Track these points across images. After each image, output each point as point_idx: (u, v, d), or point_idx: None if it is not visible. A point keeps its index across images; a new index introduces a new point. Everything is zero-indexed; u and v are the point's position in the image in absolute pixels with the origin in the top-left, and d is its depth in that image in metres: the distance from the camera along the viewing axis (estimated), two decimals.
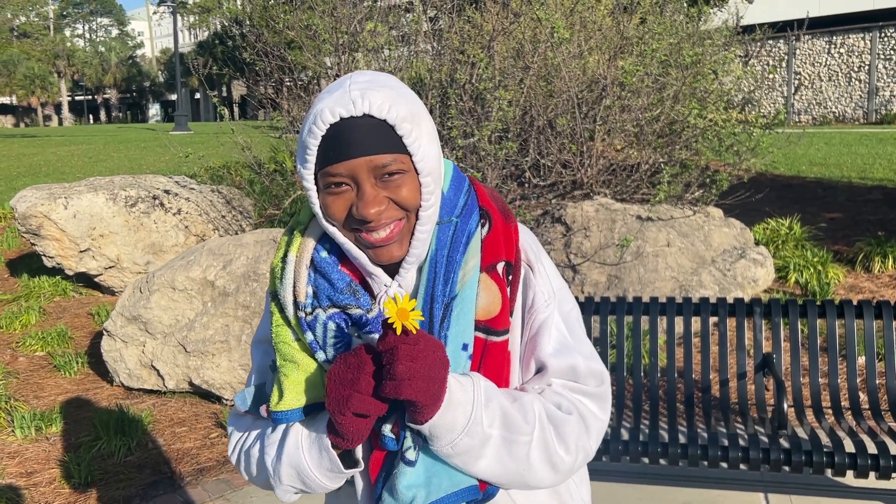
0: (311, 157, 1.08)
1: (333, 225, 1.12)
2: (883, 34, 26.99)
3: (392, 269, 1.16)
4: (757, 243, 6.28)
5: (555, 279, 1.23)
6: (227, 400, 4.52)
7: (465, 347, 1.11)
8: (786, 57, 26.17)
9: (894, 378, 3.40)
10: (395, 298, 1.00)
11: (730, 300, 3.49)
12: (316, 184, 1.11)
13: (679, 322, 4.83)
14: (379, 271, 1.14)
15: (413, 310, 1.00)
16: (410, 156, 1.07)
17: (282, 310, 1.18)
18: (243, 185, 8.74)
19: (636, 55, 6.31)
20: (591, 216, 5.51)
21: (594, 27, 6.74)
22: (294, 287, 1.15)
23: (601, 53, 6.61)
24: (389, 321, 0.98)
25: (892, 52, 26.94)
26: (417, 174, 1.09)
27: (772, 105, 26.04)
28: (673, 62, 6.10)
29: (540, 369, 1.18)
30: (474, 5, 7.60)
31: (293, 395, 1.13)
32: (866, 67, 27.21)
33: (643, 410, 4.11)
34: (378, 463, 1.12)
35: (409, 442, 1.06)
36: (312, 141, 1.07)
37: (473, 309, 1.12)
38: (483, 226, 1.16)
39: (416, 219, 1.11)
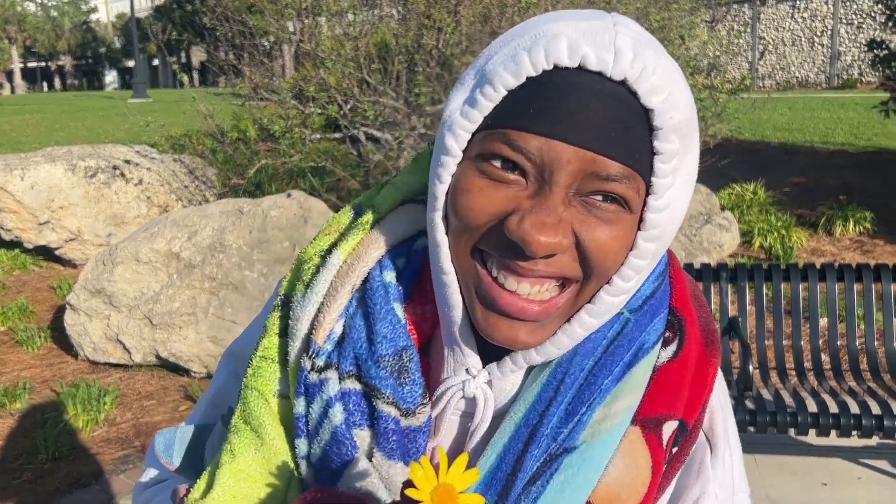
0: (489, 102, 0.60)
1: (451, 229, 0.64)
2: None
3: (489, 353, 0.68)
4: (722, 208, 6.35)
5: (738, 475, 0.74)
6: (195, 373, 4.49)
7: None
8: (750, 22, 26.30)
9: (855, 339, 3.48)
10: (440, 458, 0.54)
11: (696, 265, 3.53)
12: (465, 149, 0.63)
13: None
14: (471, 351, 0.67)
15: (463, 492, 0.53)
16: (649, 192, 0.61)
17: (283, 330, 0.71)
18: (206, 154, 8.59)
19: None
20: None
21: None
22: (318, 313, 0.68)
23: None
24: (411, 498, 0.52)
25: (853, 16, 27.22)
26: (639, 228, 0.62)
27: (737, 70, 26.28)
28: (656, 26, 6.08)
29: None
30: None
31: (226, 497, 0.66)
32: (829, 32, 27.47)
33: None
34: None
35: None
36: (508, 76, 0.59)
37: (593, 483, 0.65)
38: (668, 344, 0.68)
39: (589, 301, 0.64)
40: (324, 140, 7.01)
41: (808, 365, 3.52)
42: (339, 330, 0.68)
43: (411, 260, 0.70)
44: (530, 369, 0.68)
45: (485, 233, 0.61)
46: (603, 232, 0.60)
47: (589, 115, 0.57)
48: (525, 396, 0.66)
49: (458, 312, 0.65)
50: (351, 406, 0.65)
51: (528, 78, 0.59)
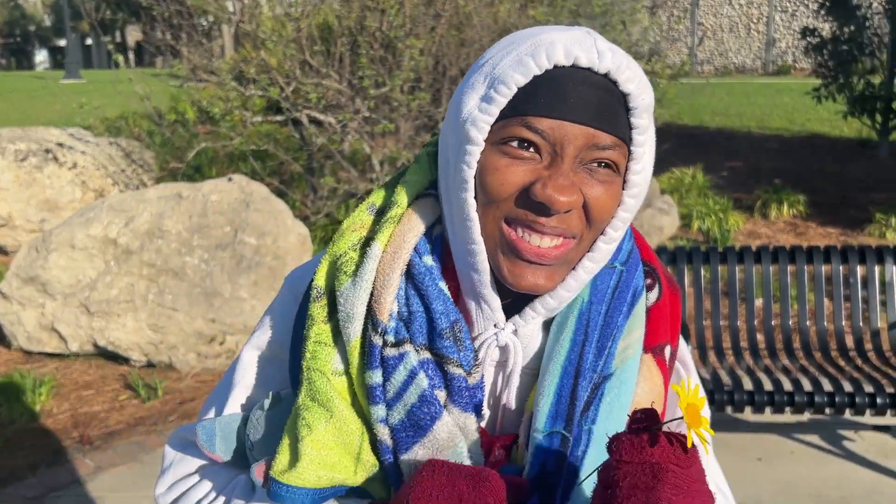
0: (504, 98, 0.75)
1: (480, 205, 0.78)
2: None
3: (510, 308, 0.82)
4: (663, 192, 6.47)
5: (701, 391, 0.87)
6: (134, 361, 4.39)
7: None
8: (689, 7, 26.74)
9: (789, 319, 3.60)
10: (686, 383, 0.68)
11: None
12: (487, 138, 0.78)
13: None
14: (498, 306, 0.81)
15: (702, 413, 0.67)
16: (629, 158, 0.78)
17: (329, 316, 0.81)
18: (143, 137, 8.37)
19: (546, 4, 6.31)
20: None
21: None
22: (374, 296, 0.79)
23: (512, 2, 6.57)
24: (686, 422, 0.65)
25: (788, 4, 27.91)
26: (623, 188, 0.79)
27: (676, 56, 26.72)
28: (582, 12, 6.12)
29: None
30: None
31: (315, 464, 0.76)
32: (764, 19, 28.13)
33: None
34: None
35: None
36: (518, 76, 0.74)
37: (631, 398, 0.80)
38: (650, 289, 0.86)
39: (588, 250, 0.80)
40: (265, 123, 6.90)
41: (744, 345, 3.62)
42: (394, 310, 0.79)
43: (436, 245, 0.84)
44: (547, 326, 0.83)
45: (510, 203, 0.76)
46: (602, 191, 0.76)
47: (586, 100, 0.74)
48: (561, 343, 0.80)
49: (486, 277, 0.79)
50: (430, 372, 0.78)
51: (534, 76, 0.74)
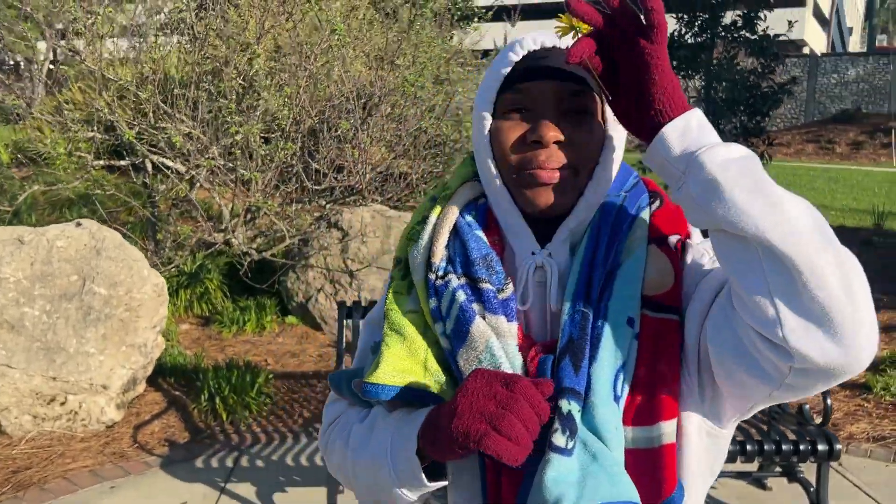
0: (497, 83, 0.99)
1: (496, 164, 1.01)
2: None
3: (541, 240, 1.03)
4: None
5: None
6: None
7: (630, 322, 0.96)
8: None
9: None
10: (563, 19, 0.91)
11: None
12: (493, 114, 1.01)
13: None
14: (528, 234, 1.02)
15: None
16: (603, 101, 0.99)
17: (404, 275, 1.07)
18: None
19: (406, 66, 6.45)
20: (367, 222, 5.51)
21: (362, 35, 6.78)
22: (430, 247, 1.04)
23: (370, 61, 6.66)
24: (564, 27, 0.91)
25: None
26: (605, 124, 1.00)
27: None
28: (441, 76, 6.32)
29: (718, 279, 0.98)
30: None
31: (391, 368, 0.99)
32: None
33: None
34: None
35: (556, 423, 0.90)
36: (503, 67, 0.98)
37: (639, 281, 0.98)
38: (653, 202, 1.06)
39: (589, 179, 1.00)
40: (98, 168, 6.42)
41: None
42: (445, 254, 1.04)
43: (479, 210, 1.06)
44: (573, 249, 1.02)
45: (518, 151, 0.98)
46: (582, 130, 0.97)
47: (553, 65, 0.97)
48: (579, 250, 1.00)
49: (515, 214, 1.02)
50: (466, 290, 1.00)
51: (515, 63, 0.97)
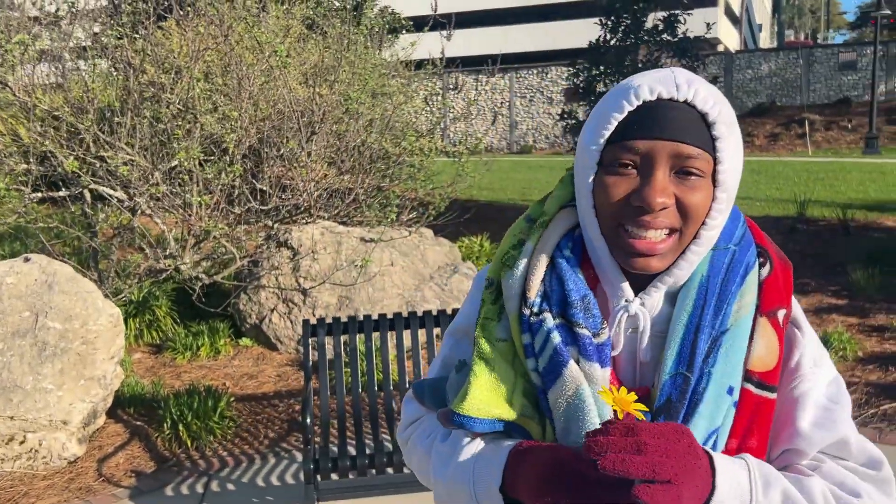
0: (608, 131, 0.97)
1: (597, 214, 1.00)
2: (518, 75, 30.90)
3: (637, 287, 1.03)
4: (464, 259, 6.83)
5: (819, 345, 1.07)
6: None
7: (730, 391, 0.97)
8: (441, 91, 28.63)
9: None
10: (612, 389, 0.89)
11: (449, 311, 3.81)
12: (599, 163, 1.00)
13: (407, 336, 5.08)
14: (626, 286, 1.01)
15: (635, 402, 0.88)
16: (716, 162, 0.97)
17: (496, 298, 1.07)
18: None
19: (345, 82, 6.51)
20: (317, 239, 5.55)
21: (297, 54, 6.82)
22: (526, 279, 1.03)
23: (307, 79, 6.71)
24: (608, 403, 0.89)
25: (525, 90, 30.93)
26: (714, 187, 0.98)
27: (440, 135, 28.43)
28: (380, 91, 6.41)
29: (794, 443, 1.01)
30: (160, 22, 7.20)
31: (480, 400, 1.00)
32: (507, 104, 30.89)
33: (381, 425, 4.26)
34: None
35: None
36: (617, 114, 0.96)
37: (744, 350, 0.99)
38: (763, 266, 1.04)
39: (694, 238, 0.99)
40: (35, 201, 6.28)
41: None
42: (541, 290, 1.02)
43: (576, 242, 1.05)
44: (672, 298, 1.02)
45: (622, 210, 0.97)
46: (693, 194, 0.95)
47: (670, 121, 0.94)
48: (685, 307, 0.99)
49: (610, 265, 1.01)
50: (562, 333, 0.99)
51: (629, 112, 0.96)
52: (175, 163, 5.41)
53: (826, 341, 5.49)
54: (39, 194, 5.75)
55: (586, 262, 1.05)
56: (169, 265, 5.39)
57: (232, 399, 4.71)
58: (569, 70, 10.19)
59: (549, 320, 1.00)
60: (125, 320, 5.82)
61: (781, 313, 1.02)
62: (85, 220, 6.38)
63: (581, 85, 10.14)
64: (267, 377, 5.26)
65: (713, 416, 0.96)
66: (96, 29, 7.04)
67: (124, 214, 5.88)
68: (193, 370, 5.38)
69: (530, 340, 1.01)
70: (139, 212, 5.95)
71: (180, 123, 5.83)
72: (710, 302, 0.99)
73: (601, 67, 9.87)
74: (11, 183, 5.54)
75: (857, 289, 7.04)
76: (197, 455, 4.16)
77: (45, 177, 6.29)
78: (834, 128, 26.06)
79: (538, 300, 1.02)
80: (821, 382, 1.04)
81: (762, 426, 1.00)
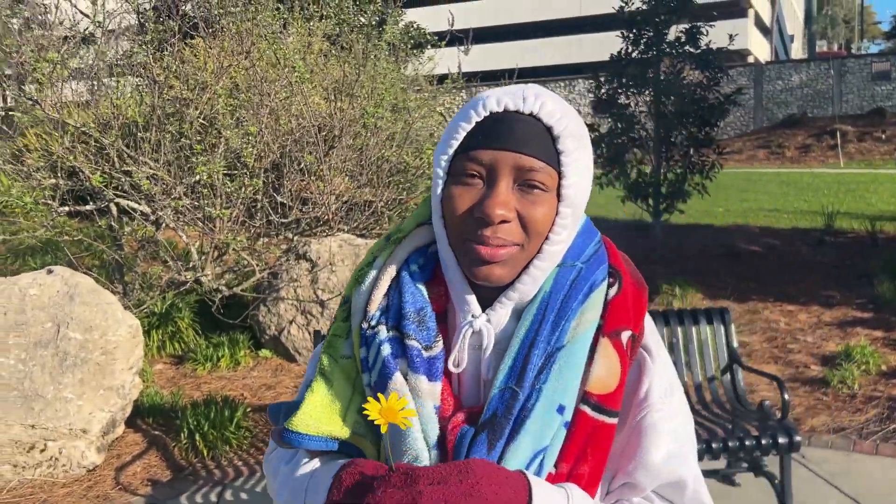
0: (456, 142, 0.97)
1: (446, 225, 0.99)
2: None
3: (486, 303, 1.00)
4: None
5: (673, 375, 1.05)
6: None
7: (560, 410, 0.94)
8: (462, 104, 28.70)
9: None
10: (380, 398, 0.88)
11: None
12: (449, 173, 0.99)
13: None
14: (473, 300, 0.99)
15: (404, 409, 0.87)
16: (560, 177, 0.96)
17: (346, 317, 1.06)
18: None
19: (365, 97, 6.59)
20: (335, 252, 5.61)
21: (319, 69, 6.92)
22: (369, 295, 1.02)
23: (328, 94, 6.80)
24: (370, 418, 0.86)
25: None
26: (559, 201, 0.96)
27: None
28: (399, 104, 6.47)
29: (635, 477, 1.00)
30: (186, 39, 7.36)
31: (312, 417, 0.98)
32: None
33: None
34: None
35: None
36: (465, 124, 0.96)
37: (580, 369, 0.96)
38: (612, 286, 1.01)
39: (538, 253, 0.97)
40: (63, 215, 6.43)
41: None
42: (384, 303, 1.01)
43: (428, 258, 1.04)
44: (518, 314, 1.00)
45: (465, 222, 0.95)
46: (536, 208, 0.94)
47: (516, 133, 0.94)
48: (524, 322, 0.97)
49: (459, 279, 0.99)
50: (393, 345, 0.98)
51: (476, 122, 0.96)
52: (198, 177, 5.51)
53: (849, 354, 5.41)
54: (66, 208, 5.89)
55: (440, 278, 1.03)
56: (189, 277, 5.48)
57: (249, 409, 4.77)
58: (591, 83, 10.14)
59: (383, 332, 0.99)
60: (148, 332, 5.93)
61: (626, 335, 0.99)
62: (111, 233, 6.52)
63: (603, 98, 10.11)
64: (285, 388, 5.32)
65: (540, 434, 0.93)
66: (125, 46, 7.21)
67: (148, 227, 5.99)
68: (213, 381, 5.46)
69: (366, 354, 1.00)
70: (164, 225, 6.07)
71: (205, 138, 5.94)
72: (549, 317, 0.96)
73: (623, 80, 9.84)
74: (40, 197, 5.69)
75: (883, 302, 6.93)
76: (213, 465, 4.22)
77: (72, 191, 6.45)
78: (867, 139, 25.65)
79: (378, 314, 1.01)
80: (671, 414, 1.01)
81: (598, 453, 0.96)
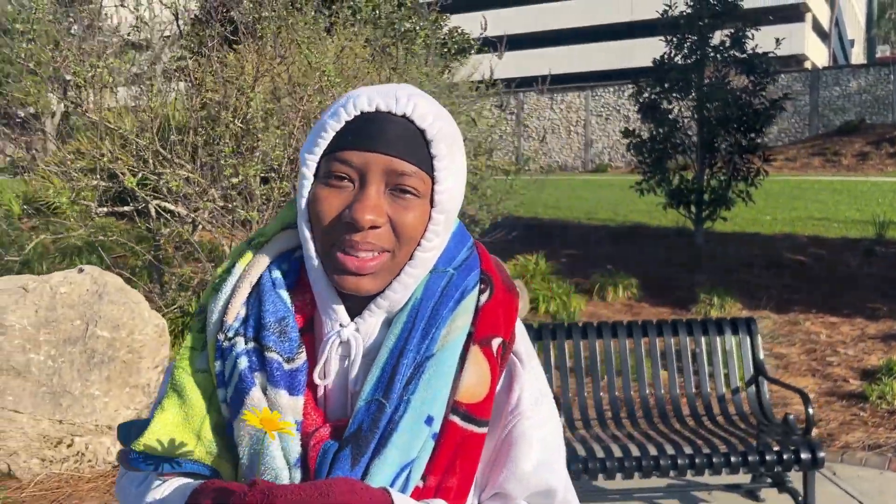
0: (325, 141, 0.92)
1: (312, 229, 0.93)
2: (594, 94, 30.62)
3: (355, 311, 0.96)
4: (516, 277, 6.79)
5: (543, 383, 1.04)
6: None
7: (429, 421, 0.91)
8: (515, 111, 28.64)
9: (630, 389, 3.85)
10: (255, 411, 0.85)
11: None
12: (316, 174, 0.94)
13: None
14: (340, 309, 0.94)
15: (281, 419, 0.84)
16: (433, 182, 0.93)
17: (202, 328, 0.97)
18: None
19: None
20: None
21: (358, 73, 6.96)
22: (227, 304, 0.95)
23: None
24: (249, 424, 0.84)
25: (602, 109, 30.61)
26: (431, 207, 0.93)
27: (503, 155, 28.40)
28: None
29: (506, 486, 0.99)
30: (229, 44, 7.48)
31: (161, 436, 0.90)
32: (582, 122, 30.63)
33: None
34: None
35: None
36: (334, 123, 0.92)
37: (450, 378, 0.93)
38: (483, 292, 0.98)
39: (409, 259, 0.94)
40: (102, 215, 6.59)
41: (591, 414, 3.82)
42: (242, 313, 0.94)
43: (292, 264, 0.98)
44: (388, 322, 0.95)
45: (333, 227, 0.91)
46: (407, 214, 0.91)
47: (387, 135, 0.90)
48: (393, 331, 0.93)
49: (325, 286, 0.94)
50: (251, 357, 0.91)
51: (346, 122, 0.91)
52: (235, 180, 5.59)
53: (890, 369, 5.22)
54: (105, 209, 6.03)
55: (305, 285, 0.97)
56: None
57: None
58: (632, 88, 10.01)
59: (240, 345, 0.92)
60: (182, 331, 6.03)
61: (496, 342, 0.96)
62: (150, 234, 6.65)
63: (646, 103, 9.97)
64: None
65: (408, 447, 0.89)
66: (167, 53, 7.37)
67: (185, 228, 6.10)
68: None
69: (222, 368, 0.93)
70: (200, 226, 6.17)
71: (243, 143, 6.02)
72: (419, 326, 0.93)
73: (665, 85, 9.69)
74: (78, 197, 5.84)
75: None
76: None
77: (114, 192, 6.60)
78: None
79: (236, 324, 0.94)
80: (541, 422, 0.99)
81: (467, 464, 0.93)
